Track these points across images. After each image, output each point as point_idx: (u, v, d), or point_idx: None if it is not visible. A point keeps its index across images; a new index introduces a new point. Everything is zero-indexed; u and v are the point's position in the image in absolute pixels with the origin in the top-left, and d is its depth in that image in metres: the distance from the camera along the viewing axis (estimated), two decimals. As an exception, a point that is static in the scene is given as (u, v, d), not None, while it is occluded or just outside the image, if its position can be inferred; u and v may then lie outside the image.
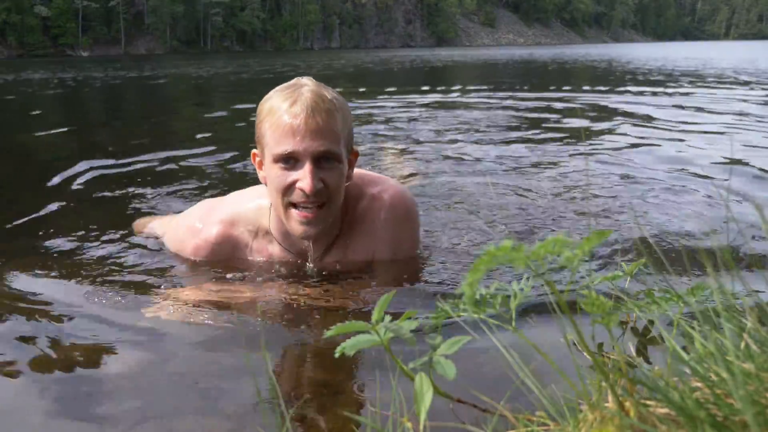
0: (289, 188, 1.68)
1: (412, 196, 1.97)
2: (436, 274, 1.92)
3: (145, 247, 2.28)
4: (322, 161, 1.66)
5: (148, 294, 1.80)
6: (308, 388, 1.31)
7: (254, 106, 1.84)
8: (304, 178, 1.64)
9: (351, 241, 1.90)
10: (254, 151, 1.79)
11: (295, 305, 1.73)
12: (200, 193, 3.30)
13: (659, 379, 0.75)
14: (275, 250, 1.90)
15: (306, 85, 1.69)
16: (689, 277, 1.79)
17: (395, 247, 1.92)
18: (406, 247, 1.94)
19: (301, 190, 1.65)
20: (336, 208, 1.76)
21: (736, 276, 0.84)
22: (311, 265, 1.90)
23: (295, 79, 1.74)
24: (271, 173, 1.70)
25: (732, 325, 0.76)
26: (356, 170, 1.98)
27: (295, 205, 1.70)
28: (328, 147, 1.65)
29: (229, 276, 1.88)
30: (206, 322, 1.61)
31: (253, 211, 1.90)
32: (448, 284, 1.85)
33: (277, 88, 1.72)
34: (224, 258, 1.93)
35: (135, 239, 2.38)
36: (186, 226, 2.02)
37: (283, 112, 1.64)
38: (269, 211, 1.85)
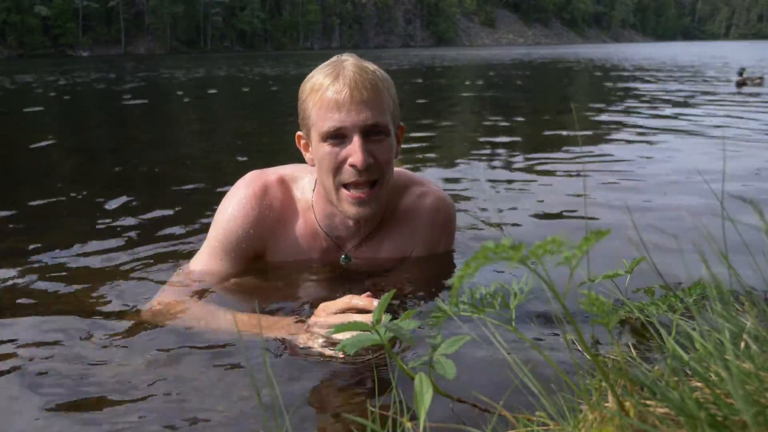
0: (339, 167, 1.64)
1: (452, 201, 1.96)
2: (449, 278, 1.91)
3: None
4: (370, 134, 1.63)
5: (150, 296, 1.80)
6: (308, 388, 1.31)
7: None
8: (354, 153, 1.60)
9: (388, 236, 1.88)
10: (299, 133, 1.75)
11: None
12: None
13: (659, 379, 0.75)
14: (315, 231, 1.85)
15: (347, 60, 1.66)
16: (687, 277, 1.79)
17: (430, 251, 1.92)
18: (441, 251, 1.94)
19: (352, 166, 1.61)
20: (387, 184, 1.74)
21: (734, 275, 0.84)
22: (345, 255, 1.88)
23: (335, 56, 1.71)
24: (320, 153, 1.65)
25: (731, 324, 0.76)
26: (398, 168, 1.97)
27: (346, 186, 1.66)
28: (375, 119, 1.61)
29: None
30: (207, 324, 1.61)
31: (307, 182, 1.84)
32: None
33: (318, 67, 1.69)
34: (268, 223, 1.81)
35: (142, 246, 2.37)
36: (223, 205, 1.84)
37: (326, 88, 1.60)
38: (312, 192, 1.82)
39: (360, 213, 1.69)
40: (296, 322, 1.52)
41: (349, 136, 1.62)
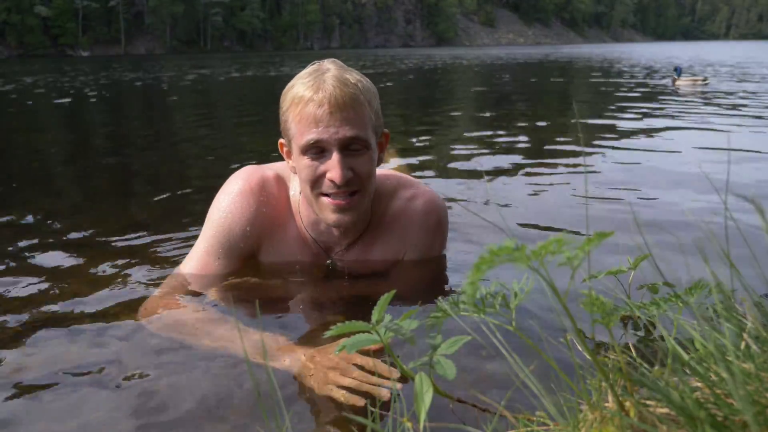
0: (318, 180, 1.65)
1: (444, 203, 1.94)
2: (451, 278, 1.91)
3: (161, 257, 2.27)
4: (350, 148, 1.63)
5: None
6: (308, 387, 1.31)
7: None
8: (333, 168, 1.61)
9: (378, 240, 1.87)
10: (281, 141, 1.75)
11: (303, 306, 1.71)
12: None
13: (659, 379, 0.75)
14: (304, 234, 1.85)
15: (329, 69, 1.64)
16: (688, 277, 1.79)
17: (423, 254, 1.90)
18: (434, 254, 1.93)
19: (331, 180, 1.62)
20: (369, 194, 1.73)
21: (734, 275, 0.84)
22: (331, 260, 1.87)
23: (317, 63, 1.69)
24: (300, 164, 1.66)
25: (732, 324, 0.76)
26: (389, 171, 1.96)
27: (326, 194, 1.67)
28: (355, 133, 1.61)
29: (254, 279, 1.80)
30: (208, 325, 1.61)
31: (295, 186, 1.82)
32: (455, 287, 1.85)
33: (299, 74, 1.67)
34: (265, 221, 1.79)
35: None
36: (215, 202, 1.82)
37: (306, 100, 1.60)
38: (300, 196, 1.81)
39: (340, 220, 1.69)
40: (299, 355, 1.40)
41: (328, 150, 1.62)
